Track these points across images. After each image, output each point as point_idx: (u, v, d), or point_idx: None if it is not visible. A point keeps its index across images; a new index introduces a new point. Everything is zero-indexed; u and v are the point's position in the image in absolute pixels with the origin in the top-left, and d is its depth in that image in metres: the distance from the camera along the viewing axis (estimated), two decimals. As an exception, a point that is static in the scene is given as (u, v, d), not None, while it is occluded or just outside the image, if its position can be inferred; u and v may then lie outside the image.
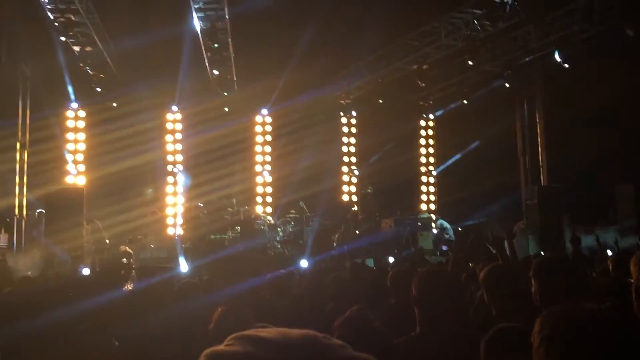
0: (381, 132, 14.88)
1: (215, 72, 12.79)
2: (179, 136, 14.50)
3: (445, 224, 13.72)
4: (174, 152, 14.45)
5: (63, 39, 11.29)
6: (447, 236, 13.42)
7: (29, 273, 9.07)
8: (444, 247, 12.90)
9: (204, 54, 11.97)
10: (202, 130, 14.04)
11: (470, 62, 12.72)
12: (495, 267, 3.35)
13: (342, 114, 15.83)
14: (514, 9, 10.28)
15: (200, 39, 11.36)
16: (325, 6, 11.02)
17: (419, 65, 13.10)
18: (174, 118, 14.48)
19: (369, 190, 14.74)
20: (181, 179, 13.87)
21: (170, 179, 14.26)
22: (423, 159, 16.29)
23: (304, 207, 13.49)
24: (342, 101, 15.64)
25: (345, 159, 15.77)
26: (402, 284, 3.59)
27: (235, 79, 13.31)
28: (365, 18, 11.52)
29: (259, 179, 14.95)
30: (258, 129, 15.09)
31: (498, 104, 13.92)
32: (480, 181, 13.43)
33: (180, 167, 14.19)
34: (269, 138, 15.09)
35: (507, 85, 13.10)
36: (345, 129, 15.85)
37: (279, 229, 13.14)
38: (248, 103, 14.60)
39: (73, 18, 10.77)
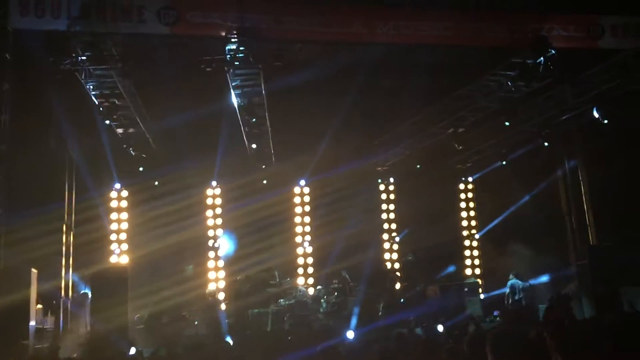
0: (420, 198, 14.77)
1: (254, 145, 13.01)
2: (218, 211, 14.65)
3: (518, 283, 12.79)
4: (214, 227, 14.56)
5: (107, 122, 11.67)
6: (517, 297, 12.62)
7: (75, 355, 9.04)
8: (495, 312, 12.48)
9: (242, 129, 12.21)
10: (241, 204, 14.17)
11: (506, 123, 12.68)
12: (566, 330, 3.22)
13: (380, 181, 15.82)
14: (548, 69, 10.29)
15: (238, 114, 11.63)
16: (360, 77, 11.23)
17: (455, 129, 13.12)
18: (213, 193, 14.68)
19: (410, 258, 14.51)
20: (225, 243, 13.96)
21: (211, 254, 14.32)
22: (464, 223, 16.04)
23: (347, 276, 13.31)
24: (380, 168, 15.66)
25: (385, 226, 15.64)
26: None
27: (273, 151, 13.50)
28: (399, 86, 11.69)
29: (299, 250, 14.89)
30: (297, 200, 15.16)
31: (538, 163, 13.75)
32: (525, 243, 13.12)
33: (221, 231, 14.32)
34: (307, 209, 15.13)
35: (545, 144, 12.97)
36: (383, 196, 15.79)
37: (322, 301, 12.94)
38: (286, 175, 14.74)
39: (117, 102, 11.16)
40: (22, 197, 10.47)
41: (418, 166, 15.02)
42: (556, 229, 13.79)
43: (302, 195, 15.22)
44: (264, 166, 13.99)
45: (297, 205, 15.14)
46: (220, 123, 12.04)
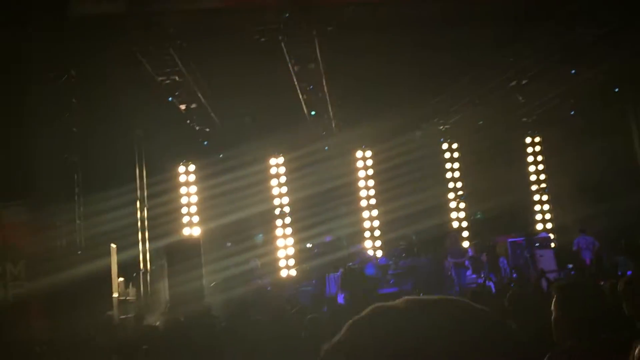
0: (485, 154, 14.50)
1: (313, 113, 13.08)
2: (283, 180, 14.86)
3: (587, 239, 12.47)
4: (279, 196, 14.80)
5: (170, 99, 12.01)
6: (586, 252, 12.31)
7: (158, 322, 9.51)
8: (570, 265, 12.23)
9: (300, 97, 12.28)
10: (305, 173, 14.31)
11: (573, 71, 12.20)
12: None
13: (442, 140, 15.60)
14: (616, 12, 9.78)
15: (296, 83, 11.69)
16: (416, 35, 11.03)
17: (517, 81, 12.72)
18: (277, 163, 14.88)
19: (478, 216, 14.33)
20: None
21: (278, 222, 14.60)
22: (533, 177, 15.63)
23: (414, 238, 13.32)
24: (442, 127, 15.40)
25: (450, 185, 15.44)
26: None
27: (332, 118, 13.53)
28: (457, 41, 11.40)
29: (365, 215, 14.95)
30: (359, 164, 15.16)
31: (608, 113, 13.18)
32: (597, 197, 12.70)
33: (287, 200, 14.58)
34: (371, 172, 15.11)
35: (616, 90, 12.42)
36: (447, 155, 15.57)
37: (390, 264, 13.04)
38: (348, 141, 14.74)
39: (177, 79, 11.44)
40: (96, 176, 11.01)
41: (480, 122, 14.69)
42: (629, 182, 13.24)
43: (364, 159, 15.21)
44: (324, 133, 14.05)
45: (360, 169, 15.15)
46: (279, 93, 12.15)
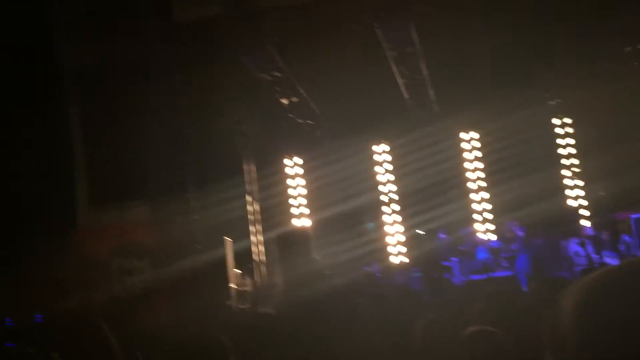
0: (603, 128, 13.60)
1: (414, 97, 12.93)
2: (388, 167, 14.81)
3: None
4: (386, 183, 14.77)
5: (272, 94, 12.37)
6: None
7: (273, 310, 9.86)
8: None
9: (400, 82, 12.20)
10: (410, 159, 14.16)
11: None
12: None
13: (554, 116, 14.81)
14: None
15: (395, 68, 11.62)
16: (517, 8, 10.62)
17: (632, 47, 11.87)
18: (381, 151, 14.84)
19: (601, 193, 13.51)
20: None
21: (386, 209, 14.59)
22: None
23: (524, 225, 12.82)
24: (553, 102, 14.65)
25: (565, 161, 14.65)
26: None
27: (434, 101, 13.32)
28: (563, 11, 10.83)
29: (474, 197, 14.56)
30: (466, 147, 14.77)
31: None
32: None
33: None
34: (479, 155, 14.68)
35: None
36: (559, 131, 14.77)
37: (501, 248, 12.66)
38: (452, 124, 14.41)
39: (278, 74, 11.77)
40: (208, 172, 11.58)
41: (596, 94, 13.79)
42: None
43: (471, 142, 14.80)
44: (427, 118, 13.85)
45: (466, 152, 14.75)
46: (378, 80, 12.13)
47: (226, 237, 11.14)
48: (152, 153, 10.99)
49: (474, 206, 14.47)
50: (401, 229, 14.45)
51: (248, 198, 13.00)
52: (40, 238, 10.48)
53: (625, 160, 13.11)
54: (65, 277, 10.53)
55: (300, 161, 14.84)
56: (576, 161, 14.57)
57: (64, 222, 11.75)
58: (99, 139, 11.84)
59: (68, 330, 3.55)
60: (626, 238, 11.82)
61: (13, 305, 9.71)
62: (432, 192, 13.98)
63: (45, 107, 11.67)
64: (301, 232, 13.25)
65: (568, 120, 14.69)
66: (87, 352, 3.16)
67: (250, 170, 13.35)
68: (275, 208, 13.82)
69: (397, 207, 14.59)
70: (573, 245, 11.83)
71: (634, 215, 12.24)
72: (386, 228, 14.56)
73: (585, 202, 14.22)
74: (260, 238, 13.14)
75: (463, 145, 14.74)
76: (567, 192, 14.42)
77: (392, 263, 13.73)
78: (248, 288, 12.15)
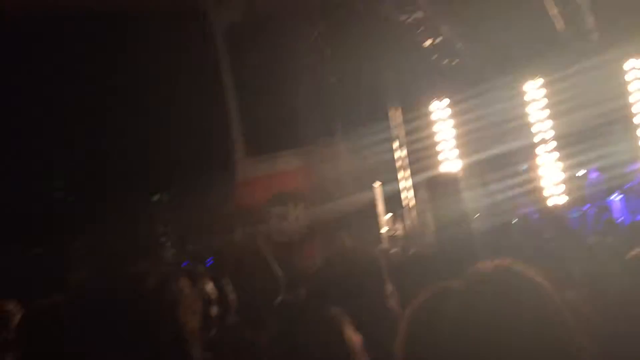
0: None
1: (568, 26, 12.01)
2: (543, 105, 13.99)
3: None
4: (539, 122, 14.00)
5: (413, 38, 12.12)
6: None
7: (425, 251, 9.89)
8: None
9: (552, 11, 11.38)
10: (567, 95, 13.24)
11: None
12: None
13: None
14: None
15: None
16: None
17: None
18: (534, 87, 14.03)
19: None
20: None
21: (540, 148, 13.88)
22: None
23: None
24: None
25: None
26: None
27: (593, 29, 12.27)
28: None
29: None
30: (631, 76, 13.49)
31: None
32: None
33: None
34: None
35: None
36: None
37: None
38: (614, 54, 13.19)
39: (420, 15, 11.48)
40: (355, 118, 11.72)
41: None
42: None
43: (636, 71, 13.49)
44: (584, 49, 12.81)
45: (631, 82, 13.50)
46: (527, 11, 11.40)
47: (375, 182, 11.29)
48: (301, 103, 11.32)
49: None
50: (558, 169, 13.70)
51: (395, 142, 12.99)
52: (203, 191, 11.30)
53: None
54: (229, 225, 11.31)
55: (447, 103, 14.48)
56: None
57: (224, 174, 12.55)
58: (251, 92, 12.39)
59: (236, 261, 3.80)
60: None
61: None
62: (591, 129, 13.01)
63: (200, 64, 12.41)
64: (450, 176, 13.02)
65: None
66: (253, 277, 3.39)
67: (396, 114, 13.29)
68: (422, 152, 13.69)
69: (553, 147, 13.81)
70: None
71: None
72: (541, 169, 13.88)
73: None
74: (409, 182, 13.11)
75: (628, 76, 13.49)
76: None
77: (548, 204, 13.12)
78: (399, 232, 12.26)
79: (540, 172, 13.84)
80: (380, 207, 11.53)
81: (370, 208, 11.39)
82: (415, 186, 13.13)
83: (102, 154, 12.42)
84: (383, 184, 11.85)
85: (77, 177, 13.43)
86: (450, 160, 14.29)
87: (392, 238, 11.63)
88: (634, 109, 13.41)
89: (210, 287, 3.09)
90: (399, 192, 12.79)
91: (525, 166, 14.14)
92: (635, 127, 13.34)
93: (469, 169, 13.57)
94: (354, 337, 2.02)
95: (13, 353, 3.29)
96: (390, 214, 12.02)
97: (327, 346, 1.94)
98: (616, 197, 11.66)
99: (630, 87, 13.45)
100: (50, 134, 12.19)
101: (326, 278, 2.79)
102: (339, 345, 1.95)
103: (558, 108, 13.58)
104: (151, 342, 1.24)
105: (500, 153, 13.52)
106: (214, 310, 3.07)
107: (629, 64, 13.40)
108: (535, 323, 1.31)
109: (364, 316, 2.23)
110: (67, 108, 12.03)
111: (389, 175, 12.56)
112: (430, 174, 12.89)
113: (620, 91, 13.46)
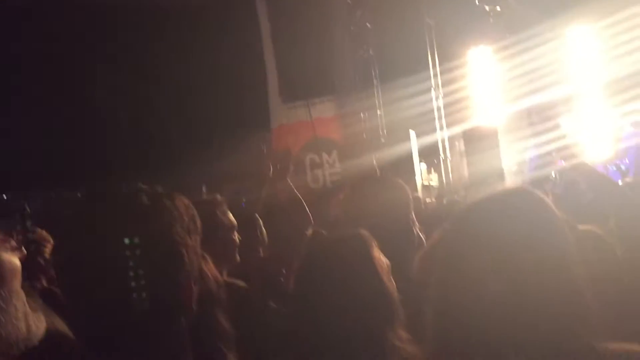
0: None
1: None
2: (589, 54, 13.47)
3: None
4: (585, 73, 13.52)
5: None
6: None
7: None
8: None
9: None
10: (617, 43, 12.67)
11: None
12: None
13: None
14: None
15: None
16: None
17: None
18: (580, 35, 13.47)
19: None
20: None
21: (585, 101, 13.45)
22: None
23: None
24: None
25: None
26: None
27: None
28: None
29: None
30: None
31: None
32: None
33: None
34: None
35: None
36: None
37: None
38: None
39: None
40: (392, 67, 11.50)
41: None
42: None
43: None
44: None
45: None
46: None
47: (411, 130, 11.14)
48: (337, 50, 11.13)
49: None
50: (602, 121, 13.29)
51: (433, 92, 12.75)
52: (238, 138, 11.37)
53: None
54: (264, 172, 11.34)
55: (488, 51, 14.05)
56: None
57: (259, 122, 12.56)
58: (286, 40, 12.23)
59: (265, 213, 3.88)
60: None
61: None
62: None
63: (237, 13, 12.27)
64: (488, 128, 12.78)
65: None
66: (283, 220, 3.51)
67: (435, 63, 12.98)
68: (461, 102, 13.41)
69: (597, 98, 13.37)
70: None
71: None
72: (584, 121, 13.49)
73: None
74: (446, 133, 12.92)
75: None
76: None
77: (589, 158, 12.79)
78: (434, 183, 12.17)
79: (581, 124, 13.45)
80: (416, 155, 11.41)
81: (406, 159, 11.29)
82: (453, 138, 12.94)
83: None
84: (420, 134, 11.71)
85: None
86: (488, 111, 13.98)
87: (426, 188, 11.55)
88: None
89: (228, 215, 3.15)
90: (435, 143, 12.62)
91: (565, 119, 13.74)
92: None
93: (508, 121, 13.28)
94: (382, 259, 2.01)
95: (46, 277, 3.50)
96: (425, 165, 11.90)
97: (355, 266, 1.94)
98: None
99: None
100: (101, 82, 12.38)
101: (355, 201, 2.89)
102: (367, 265, 1.95)
103: (604, 57, 13.06)
104: (144, 254, 1.25)
105: (541, 105, 13.15)
106: (236, 237, 3.14)
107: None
108: (542, 245, 1.35)
109: (390, 238, 2.26)
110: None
111: (427, 126, 12.38)
112: (468, 125, 12.68)
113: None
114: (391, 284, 1.96)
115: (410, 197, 2.82)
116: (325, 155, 11.13)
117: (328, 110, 11.34)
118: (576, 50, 13.49)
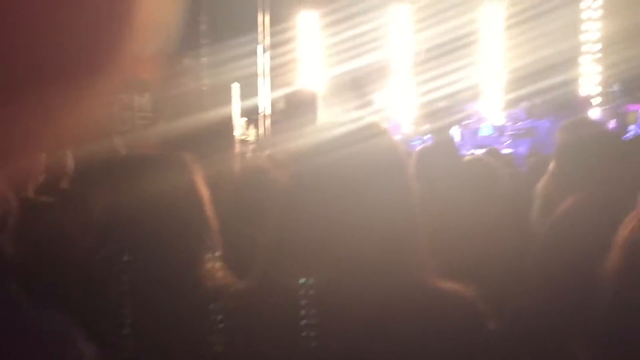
0: (633, 15, 13.01)
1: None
2: (406, 31, 14.44)
3: None
4: (402, 46, 14.44)
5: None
6: None
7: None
8: None
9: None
10: (430, 23, 13.71)
11: None
12: None
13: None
14: None
15: None
16: None
17: None
18: (400, 13, 14.38)
19: (614, 89, 13.22)
20: None
21: (400, 74, 14.39)
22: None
23: (538, 102, 12.70)
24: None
25: (586, 47, 14.25)
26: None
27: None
28: None
29: (489, 72, 14.38)
30: (489, 17, 14.34)
31: None
32: None
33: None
34: (500, 27, 14.27)
35: None
36: (586, 14, 14.21)
37: (508, 124, 12.66)
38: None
39: None
40: (221, 22, 11.29)
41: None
42: None
43: (494, 12, 14.36)
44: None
45: (489, 23, 14.35)
46: None
47: (235, 83, 11.07)
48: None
49: (485, 80, 14.34)
50: (413, 95, 14.35)
51: (260, 53, 12.79)
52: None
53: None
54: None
55: (317, 15, 14.36)
56: (599, 46, 14.19)
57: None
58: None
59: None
60: (632, 128, 11.79)
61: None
62: (445, 60, 13.73)
63: None
64: (309, 91, 13.15)
65: (597, 4, 14.11)
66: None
67: (264, 24, 13.00)
68: (286, 65, 13.64)
69: (410, 73, 14.42)
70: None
71: (644, 107, 12.14)
72: (398, 93, 14.48)
73: (598, 89, 14.08)
74: (269, 92, 13.08)
75: (487, 14, 14.30)
76: (583, 79, 14.24)
77: (402, 129, 13.75)
78: (251, 138, 12.31)
79: (396, 96, 14.42)
80: (236, 109, 11.40)
81: (226, 113, 11.19)
82: (275, 99, 13.13)
83: None
84: (244, 92, 11.69)
85: None
86: (312, 75, 14.41)
87: (243, 142, 11.64)
88: (486, 47, 14.27)
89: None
90: (257, 101, 12.74)
91: (381, 91, 14.61)
92: (484, 64, 14.27)
93: (329, 86, 13.78)
94: (205, 190, 1.96)
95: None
96: (245, 119, 11.97)
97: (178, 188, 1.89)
98: (457, 130, 12.48)
99: (488, 24, 14.28)
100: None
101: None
102: (190, 187, 1.91)
103: (422, 33, 14.04)
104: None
105: (363, 73, 13.84)
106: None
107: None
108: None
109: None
110: None
111: (252, 83, 12.41)
112: (290, 87, 12.94)
113: (476, 27, 14.24)
114: (211, 213, 1.93)
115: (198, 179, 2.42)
116: (137, 97, 10.64)
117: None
118: (397, 23, 14.37)
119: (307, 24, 14.43)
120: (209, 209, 1.92)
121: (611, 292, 1.34)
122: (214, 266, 1.87)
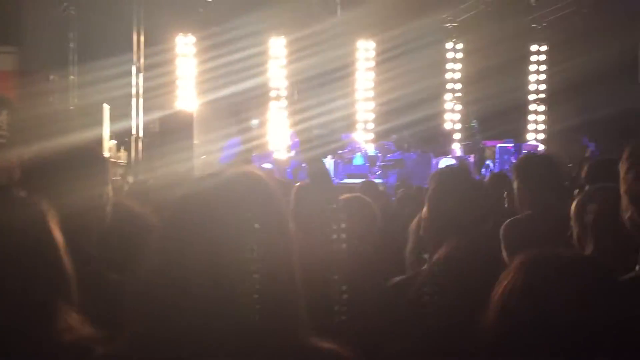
0: (489, 58, 14.23)
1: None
2: (282, 62, 14.70)
3: None
4: (277, 76, 14.69)
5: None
6: None
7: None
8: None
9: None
10: (305, 55, 14.09)
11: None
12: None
13: (447, 38, 15.33)
14: None
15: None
16: None
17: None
18: (277, 43, 14.64)
19: (473, 124, 14.28)
20: None
21: (274, 104, 14.59)
22: (533, 87, 15.52)
23: (406, 135, 13.40)
24: (448, 25, 15.09)
25: (450, 85, 15.38)
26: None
27: (338, 1, 13.23)
28: None
29: (360, 106, 15.00)
30: (361, 53, 15.00)
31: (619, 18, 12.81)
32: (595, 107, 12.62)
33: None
34: (371, 63, 14.99)
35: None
36: (450, 55, 15.37)
37: (379, 155, 13.21)
38: (351, 26, 14.43)
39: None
40: (94, 47, 10.85)
41: (488, 25, 14.31)
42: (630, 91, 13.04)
43: (366, 49, 15.06)
44: (328, 16, 13.74)
45: (360, 59, 15.02)
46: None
47: (105, 104, 10.64)
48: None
49: (359, 113, 14.95)
50: (288, 124, 14.58)
51: (134, 74, 12.42)
52: None
53: (500, 92, 13.81)
54: None
55: (193, 41, 14.28)
56: (459, 85, 15.33)
57: None
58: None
59: None
60: (489, 163, 12.78)
61: None
62: (321, 91, 14.17)
63: None
64: (184, 113, 12.93)
65: (459, 46, 15.28)
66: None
67: (139, 44, 12.66)
68: (161, 88, 13.36)
69: (285, 103, 14.68)
70: (443, 164, 12.60)
71: (499, 144, 13.22)
72: (274, 122, 14.65)
73: (458, 126, 15.17)
74: (142, 114, 12.69)
75: (359, 50, 14.95)
76: (447, 115, 15.29)
77: (278, 157, 13.87)
78: (122, 161, 11.85)
79: (271, 124, 14.57)
80: (106, 130, 10.94)
81: (97, 136, 10.68)
82: (150, 120, 12.75)
83: None
84: (116, 113, 11.25)
85: None
86: (187, 99, 14.22)
87: (114, 165, 11.17)
88: (358, 82, 14.91)
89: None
90: (130, 122, 12.31)
91: (257, 120, 14.71)
92: (357, 98, 14.88)
93: (205, 111, 13.65)
94: (59, 234, 1.83)
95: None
96: (114, 141, 11.51)
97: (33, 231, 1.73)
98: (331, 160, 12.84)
99: (359, 61, 14.92)
100: None
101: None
102: (44, 231, 1.75)
103: (295, 65, 14.37)
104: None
105: (237, 101, 13.86)
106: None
107: (361, 39, 14.83)
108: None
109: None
110: None
111: (125, 105, 11.98)
112: (165, 110, 12.65)
113: (351, 61, 14.84)
114: (67, 260, 1.82)
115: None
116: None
117: (9, 64, 10.06)
118: (273, 53, 14.60)
119: (183, 48, 14.28)
120: (63, 252, 1.74)
121: (488, 352, 1.37)
122: (72, 317, 1.69)
